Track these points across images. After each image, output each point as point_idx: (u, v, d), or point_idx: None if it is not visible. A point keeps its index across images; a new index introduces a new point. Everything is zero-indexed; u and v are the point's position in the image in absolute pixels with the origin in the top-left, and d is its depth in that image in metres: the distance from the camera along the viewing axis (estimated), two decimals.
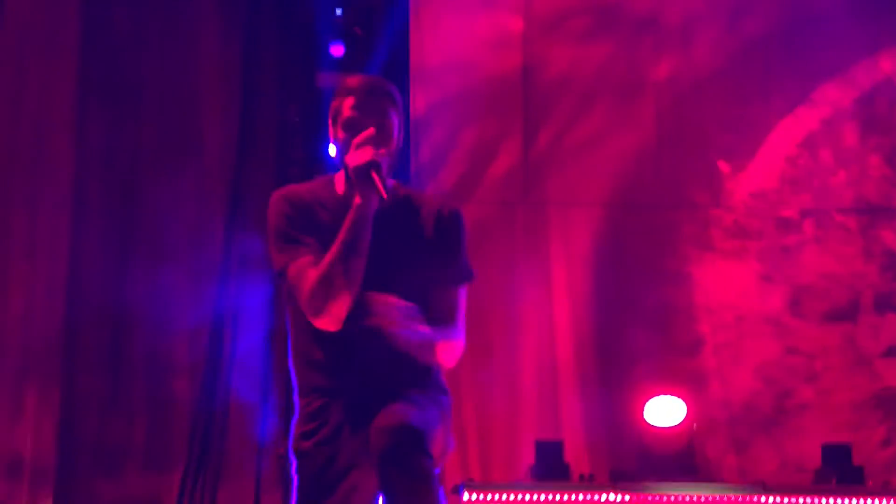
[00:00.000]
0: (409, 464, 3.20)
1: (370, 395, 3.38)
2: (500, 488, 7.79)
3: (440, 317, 3.55)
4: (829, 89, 9.54)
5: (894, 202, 9.68)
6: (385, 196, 3.32)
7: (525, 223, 9.33)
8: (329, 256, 3.34)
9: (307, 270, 3.40)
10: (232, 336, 8.64)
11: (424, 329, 3.41)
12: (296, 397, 3.62)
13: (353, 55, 8.60)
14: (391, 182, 3.47)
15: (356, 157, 3.33)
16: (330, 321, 3.35)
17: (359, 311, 3.40)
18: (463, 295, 3.63)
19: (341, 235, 3.36)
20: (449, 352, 3.53)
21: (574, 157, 9.40)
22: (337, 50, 8.60)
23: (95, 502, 8.55)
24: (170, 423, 8.74)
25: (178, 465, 8.54)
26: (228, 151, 8.79)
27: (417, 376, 3.45)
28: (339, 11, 8.56)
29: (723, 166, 9.47)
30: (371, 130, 3.39)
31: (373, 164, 3.29)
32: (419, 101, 9.03)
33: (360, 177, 3.32)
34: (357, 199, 3.35)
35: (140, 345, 8.68)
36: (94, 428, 8.55)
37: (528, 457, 8.15)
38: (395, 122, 3.56)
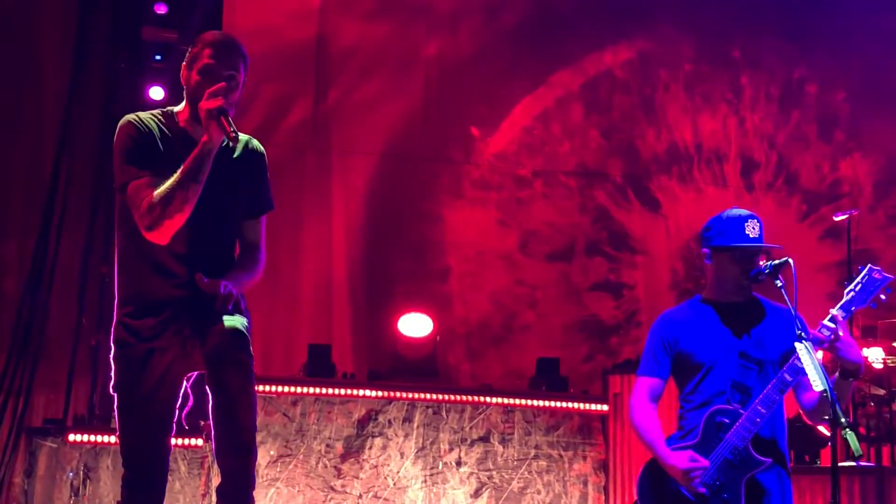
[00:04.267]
0: (245, 358, 3.47)
1: (194, 305, 3.54)
2: (277, 381, 7.96)
3: (250, 246, 3.74)
4: (563, 75, 10.66)
5: (607, 168, 10.80)
6: (233, 136, 3.40)
7: (313, 166, 10.07)
8: (172, 180, 3.39)
9: (145, 189, 3.44)
10: (56, 242, 8.85)
11: (243, 279, 3.59)
12: (116, 301, 3.65)
13: (174, 14, 9.13)
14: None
15: (209, 103, 3.39)
16: (161, 236, 3.45)
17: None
18: (264, 221, 3.77)
19: (186, 164, 3.42)
20: (257, 276, 3.69)
21: (356, 114, 10.24)
22: (160, 9, 9.12)
23: None
24: None
25: (2, 350, 8.70)
26: (62, 91, 9.06)
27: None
28: None
29: (475, 131, 10.54)
30: (223, 84, 3.46)
31: (222, 110, 3.39)
32: None
33: (211, 119, 3.38)
34: (204, 137, 3.42)
35: None
36: None
37: (301, 357, 8.58)
38: (243, 77, 3.61)
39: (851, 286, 3.88)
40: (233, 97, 3.51)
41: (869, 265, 3.92)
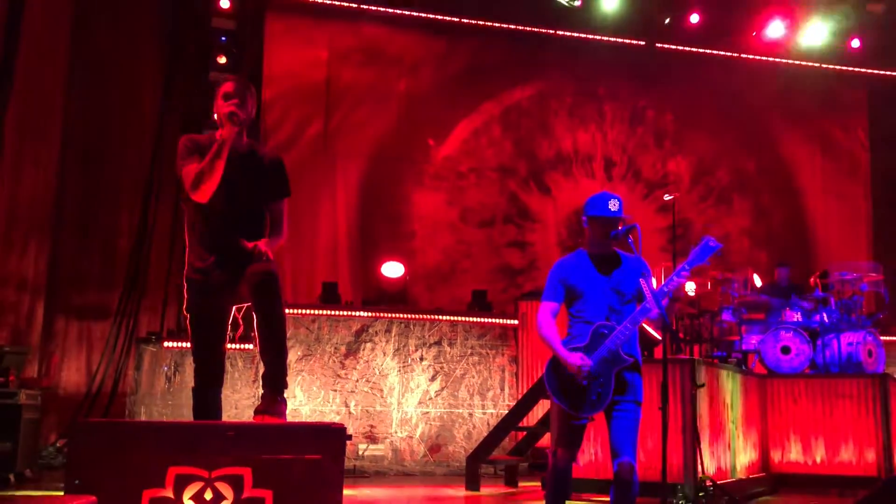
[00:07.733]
0: (276, 288, 3.37)
1: (238, 256, 3.46)
2: (302, 307, 7.99)
3: (277, 221, 3.62)
4: (488, 105, 10.65)
5: (517, 167, 10.74)
6: (237, 125, 3.43)
7: (324, 164, 9.91)
8: (205, 160, 3.42)
9: (191, 171, 3.46)
10: (154, 215, 8.95)
11: (272, 242, 3.50)
12: (187, 253, 3.63)
13: (231, 64, 9.25)
14: (246, 140, 3.56)
15: (224, 108, 3.47)
16: (201, 196, 3.43)
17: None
18: (286, 204, 3.69)
19: (212, 149, 3.45)
20: (282, 240, 3.61)
21: (352, 130, 10.13)
22: (222, 60, 9.25)
23: (69, 309, 8.70)
24: (114, 263, 8.91)
25: (118, 287, 8.82)
26: (155, 115, 9.08)
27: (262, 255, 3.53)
28: (223, 38, 9.43)
29: (431, 142, 10.50)
30: (236, 99, 3.48)
31: (233, 113, 3.45)
32: (267, 93, 9.64)
33: (224, 118, 3.46)
34: (222, 131, 3.49)
35: (100, 215, 8.89)
36: (70, 264, 8.89)
37: (318, 290, 8.72)
38: (250, 101, 3.58)
39: (696, 248, 3.75)
40: (244, 112, 3.46)
41: (707, 236, 3.77)
